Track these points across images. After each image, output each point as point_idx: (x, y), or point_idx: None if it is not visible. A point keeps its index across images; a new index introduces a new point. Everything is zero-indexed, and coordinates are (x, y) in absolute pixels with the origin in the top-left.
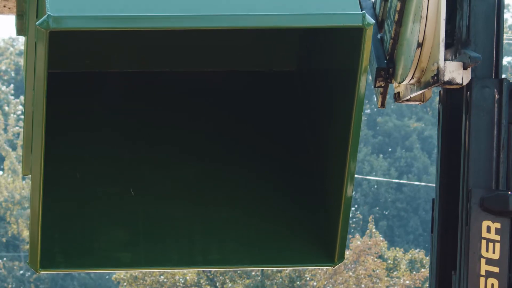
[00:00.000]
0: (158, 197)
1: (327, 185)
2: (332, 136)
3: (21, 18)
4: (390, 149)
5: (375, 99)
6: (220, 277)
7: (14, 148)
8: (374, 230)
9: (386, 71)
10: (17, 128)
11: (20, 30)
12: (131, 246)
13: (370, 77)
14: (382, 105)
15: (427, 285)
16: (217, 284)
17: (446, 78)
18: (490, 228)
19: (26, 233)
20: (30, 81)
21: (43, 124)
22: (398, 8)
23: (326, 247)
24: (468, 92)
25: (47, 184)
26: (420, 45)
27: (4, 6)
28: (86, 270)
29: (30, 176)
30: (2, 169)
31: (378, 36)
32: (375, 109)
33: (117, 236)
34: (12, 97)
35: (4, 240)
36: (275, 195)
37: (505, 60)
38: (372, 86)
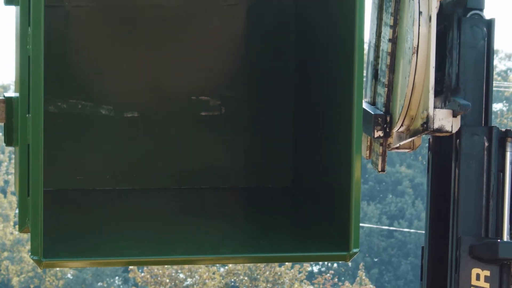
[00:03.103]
0: (166, 192)
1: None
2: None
3: (10, 127)
4: (381, 195)
5: (373, 164)
6: None
7: (4, 194)
8: (364, 277)
9: (384, 119)
10: (7, 176)
11: (9, 141)
12: (139, 239)
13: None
14: (383, 169)
15: None
16: None
17: (436, 125)
18: (479, 275)
19: (16, 279)
20: (24, 199)
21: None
22: (389, 50)
23: (339, 235)
24: (458, 140)
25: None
26: (409, 92)
27: None
28: (91, 262)
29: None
30: None
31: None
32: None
33: (124, 229)
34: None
35: None
36: (280, 184)
37: (496, 107)
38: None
